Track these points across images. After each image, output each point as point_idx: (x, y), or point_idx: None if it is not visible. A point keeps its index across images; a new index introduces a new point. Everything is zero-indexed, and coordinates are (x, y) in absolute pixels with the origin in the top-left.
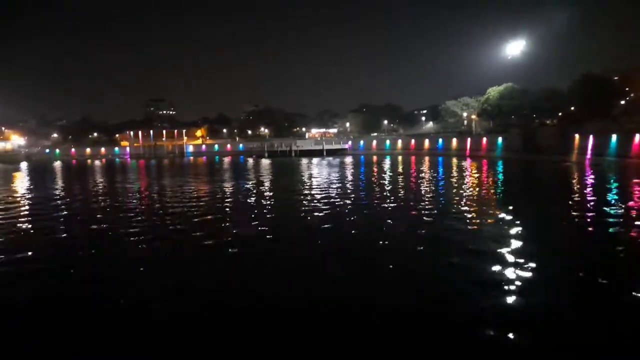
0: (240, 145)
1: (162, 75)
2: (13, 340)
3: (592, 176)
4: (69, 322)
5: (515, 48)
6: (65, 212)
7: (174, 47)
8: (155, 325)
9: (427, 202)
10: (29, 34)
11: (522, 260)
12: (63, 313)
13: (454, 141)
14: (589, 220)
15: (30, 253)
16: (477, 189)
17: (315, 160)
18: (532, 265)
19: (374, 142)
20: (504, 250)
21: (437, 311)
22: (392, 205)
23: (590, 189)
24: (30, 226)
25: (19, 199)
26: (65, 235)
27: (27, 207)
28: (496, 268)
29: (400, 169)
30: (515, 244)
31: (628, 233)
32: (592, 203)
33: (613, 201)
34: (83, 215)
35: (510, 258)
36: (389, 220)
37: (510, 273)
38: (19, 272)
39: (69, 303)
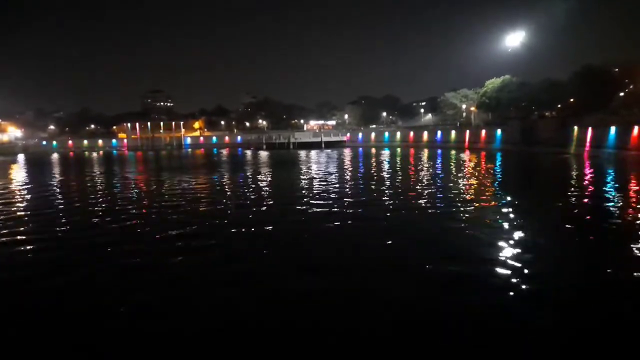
0: (238, 137)
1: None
2: None
3: (590, 168)
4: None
5: (515, 40)
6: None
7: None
8: None
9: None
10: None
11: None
12: None
13: (453, 133)
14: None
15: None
16: (475, 181)
17: (313, 152)
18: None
19: (373, 134)
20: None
21: None
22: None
23: (587, 180)
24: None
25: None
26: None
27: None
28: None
29: (398, 161)
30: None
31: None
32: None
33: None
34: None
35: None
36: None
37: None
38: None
39: None
